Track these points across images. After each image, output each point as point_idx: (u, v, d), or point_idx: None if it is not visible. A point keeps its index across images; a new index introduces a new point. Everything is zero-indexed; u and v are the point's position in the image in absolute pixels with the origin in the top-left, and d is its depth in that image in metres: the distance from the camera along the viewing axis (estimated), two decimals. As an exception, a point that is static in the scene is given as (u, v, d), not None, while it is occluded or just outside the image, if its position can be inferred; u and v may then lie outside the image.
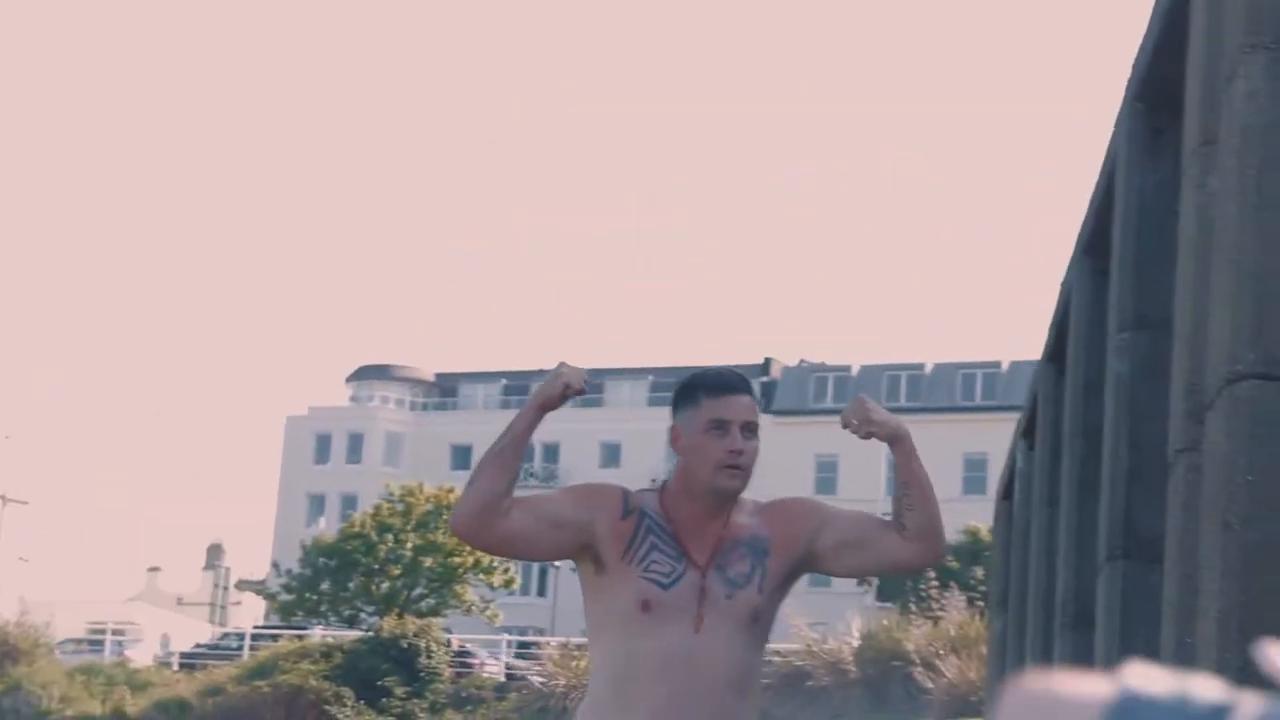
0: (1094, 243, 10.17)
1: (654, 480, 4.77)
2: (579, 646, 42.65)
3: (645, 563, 4.47)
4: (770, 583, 4.54)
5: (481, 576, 50.39)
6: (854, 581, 48.59)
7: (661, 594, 4.45)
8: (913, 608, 36.89)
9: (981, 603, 29.83)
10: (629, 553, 4.48)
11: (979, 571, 36.74)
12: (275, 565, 61.77)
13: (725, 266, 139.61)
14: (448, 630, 44.45)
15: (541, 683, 39.77)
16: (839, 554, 4.60)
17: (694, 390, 4.60)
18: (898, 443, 4.54)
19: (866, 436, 4.56)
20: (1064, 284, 11.62)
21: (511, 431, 4.55)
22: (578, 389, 4.53)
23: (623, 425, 79.68)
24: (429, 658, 37.98)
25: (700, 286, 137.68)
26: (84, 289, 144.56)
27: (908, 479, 4.55)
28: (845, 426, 4.62)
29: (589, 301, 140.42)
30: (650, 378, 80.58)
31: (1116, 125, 9.05)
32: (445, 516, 50.68)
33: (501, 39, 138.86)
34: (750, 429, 4.58)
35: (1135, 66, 8.61)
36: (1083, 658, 9.62)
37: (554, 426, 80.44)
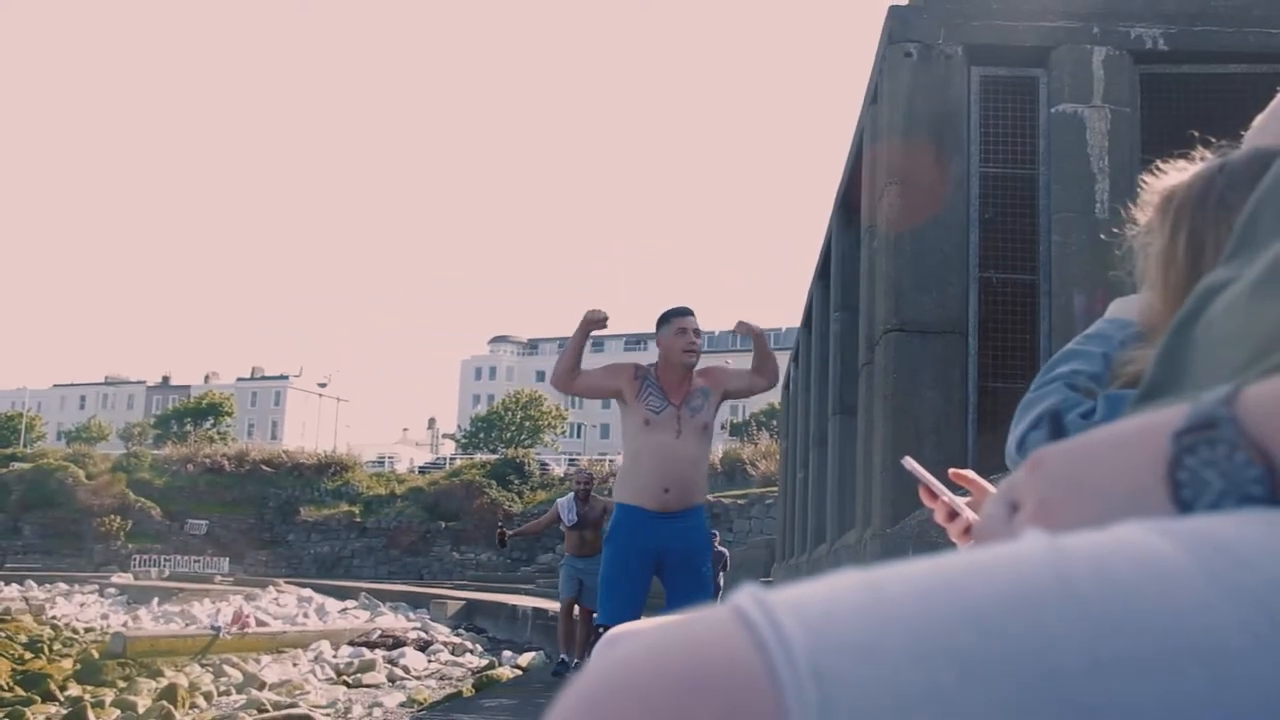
0: (823, 271, 10.06)
1: (653, 364, 4.39)
2: (597, 457, 42.50)
3: (646, 400, 4.25)
4: (711, 409, 4.33)
5: (552, 427, 51.22)
6: (718, 426, 48.82)
7: (655, 416, 4.22)
8: (745, 439, 37.23)
9: (776, 436, 29.70)
10: (639, 396, 4.26)
11: (774, 422, 36.91)
12: (459, 426, 62.45)
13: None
14: (537, 454, 44.37)
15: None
16: (736, 387, 4.39)
17: (669, 316, 4.38)
18: (758, 337, 4.35)
19: (747, 334, 4.34)
20: (810, 290, 11.53)
21: (575, 339, 4.28)
22: (599, 320, 4.17)
23: (610, 360, 78.55)
24: (528, 467, 37.86)
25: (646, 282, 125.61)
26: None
27: (763, 352, 4.38)
28: (736, 329, 4.34)
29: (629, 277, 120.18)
30: (624, 339, 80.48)
31: (830, 218, 8.91)
32: (535, 405, 51.05)
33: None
34: (697, 332, 4.37)
35: (839, 188, 8.46)
36: (822, 461, 9.55)
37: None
